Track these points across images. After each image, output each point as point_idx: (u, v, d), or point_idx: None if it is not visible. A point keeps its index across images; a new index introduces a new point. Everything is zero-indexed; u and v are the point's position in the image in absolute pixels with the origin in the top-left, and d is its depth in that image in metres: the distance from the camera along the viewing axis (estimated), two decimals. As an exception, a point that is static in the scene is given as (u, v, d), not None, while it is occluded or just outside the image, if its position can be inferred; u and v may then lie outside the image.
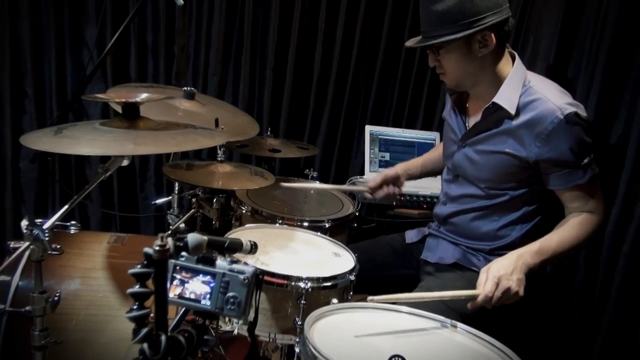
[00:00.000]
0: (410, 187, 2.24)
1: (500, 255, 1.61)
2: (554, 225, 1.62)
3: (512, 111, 1.48)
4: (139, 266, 0.79)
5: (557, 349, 1.68)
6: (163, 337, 0.77)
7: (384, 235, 1.99)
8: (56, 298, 1.40)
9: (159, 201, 2.29)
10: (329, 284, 1.44)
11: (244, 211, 1.99)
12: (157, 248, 0.76)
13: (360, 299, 1.43)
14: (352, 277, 1.50)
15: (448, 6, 1.42)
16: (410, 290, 1.63)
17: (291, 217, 1.93)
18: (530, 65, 1.61)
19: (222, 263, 0.91)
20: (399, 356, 0.91)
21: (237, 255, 1.30)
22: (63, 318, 1.53)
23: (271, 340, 1.48)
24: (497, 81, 1.52)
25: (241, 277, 0.89)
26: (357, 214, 2.11)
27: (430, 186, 2.27)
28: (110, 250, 1.73)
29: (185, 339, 0.81)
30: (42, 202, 2.68)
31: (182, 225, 2.17)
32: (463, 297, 1.38)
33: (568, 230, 1.49)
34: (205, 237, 0.89)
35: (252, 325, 1.08)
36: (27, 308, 1.46)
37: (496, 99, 1.50)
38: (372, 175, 1.98)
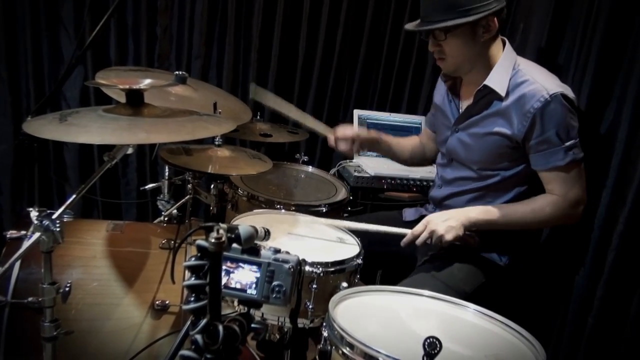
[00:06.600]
0: (400, 170, 2.29)
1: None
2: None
3: (503, 93, 1.55)
4: (193, 259, 0.79)
5: (552, 323, 1.77)
6: (220, 327, 0.78)
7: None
8: (67, 288, 1.38)
9: (149, 187, 2.24)
10: (338, 267, 1.47)
11: (240, 196, 1.99)
12: (213, 240, 0.77)
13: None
14: (360, 261, 1.54)
15: None
16: (408, 269, 1.69)
17: (288, 202, 1.94)
18: (520, 53, 1.67)
19: (266, 252, 0.92)
20: (434, 337, 0.95)
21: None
22: (67, 308, 1.50)
23: (280, 324, 1.51)
24: (489, 66, 1.59)
25: (286, 266, 0.90)
26: (350, 197, 2.14)
27: (420, 170, 2.32)
28: (110, 239, 1.70)
29: (238, 328, 0.83)
30: (19, 188, 2.59)
31: (175, 211, 2.16)
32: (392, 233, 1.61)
33: (525, 203, 1.59)
34: (253, 228, 0.90)
35: (294, 312, 1.10)
36: (30, 299, 1.44)
37: (487, 82, 1.57)
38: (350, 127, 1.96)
